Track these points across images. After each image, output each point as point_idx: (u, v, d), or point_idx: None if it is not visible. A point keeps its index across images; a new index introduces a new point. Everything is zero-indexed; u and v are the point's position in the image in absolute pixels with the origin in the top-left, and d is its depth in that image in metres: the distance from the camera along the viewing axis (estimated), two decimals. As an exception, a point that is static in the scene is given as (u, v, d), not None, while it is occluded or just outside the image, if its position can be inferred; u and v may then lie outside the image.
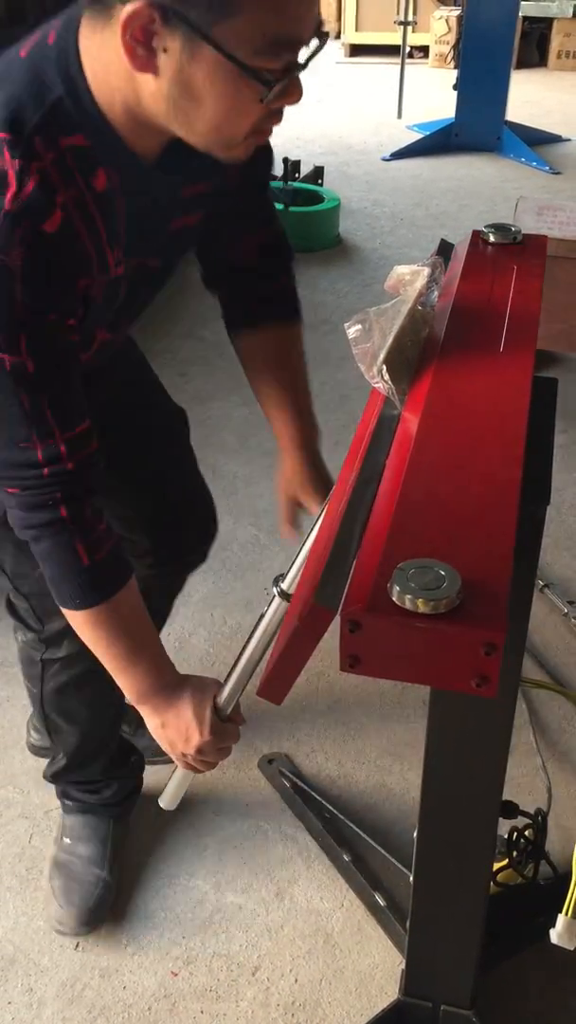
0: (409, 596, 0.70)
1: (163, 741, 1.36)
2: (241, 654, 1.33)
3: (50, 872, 1.79)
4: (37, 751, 2.01)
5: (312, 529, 1.18)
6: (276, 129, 1.58)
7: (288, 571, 1.23)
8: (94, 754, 1.76)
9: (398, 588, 0.71)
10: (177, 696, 1.31)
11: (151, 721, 1.34)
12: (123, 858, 1.82)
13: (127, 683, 1.30)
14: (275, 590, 1.25)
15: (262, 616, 1.29)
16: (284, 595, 1.23)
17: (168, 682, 1.31)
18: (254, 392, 1.53)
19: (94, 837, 1.80)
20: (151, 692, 1.31)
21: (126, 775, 1.83)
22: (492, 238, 1.33)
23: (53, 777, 1.81)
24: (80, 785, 1.80)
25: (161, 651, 1.33)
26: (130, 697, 1.32)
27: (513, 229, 1.33)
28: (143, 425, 1.63)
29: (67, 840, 1.81)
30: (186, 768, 1.42)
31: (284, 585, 1.23)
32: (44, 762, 1.84)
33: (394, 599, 0.71)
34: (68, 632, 1.54)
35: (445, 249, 1.41)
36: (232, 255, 1.44)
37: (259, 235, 1.44)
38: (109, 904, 1.75)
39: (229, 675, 1.34)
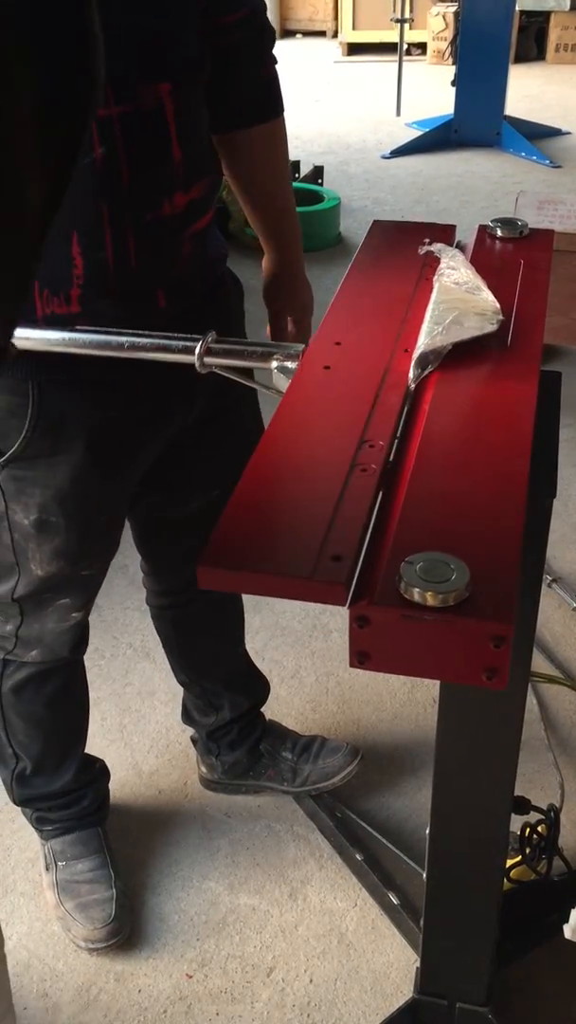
0: (417, 589, 0.69)
1: None
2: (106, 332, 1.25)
3: (57, 898, 1.75)
4: None
5: (266, 344, 1.17)
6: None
7: (227, 342, 1.21)
8: (61, 761, 1.71)
9: (406, 581, 0.70)
10: None
11: None
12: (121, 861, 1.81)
13: None
14: (202, 339, 1.20)
15: (172, 337, 1.23)
16: (202, 351, 1.19)
17: None
18: (236, 193, 1.51)
19: (89, 851, 1.77)
20: None
21: (96, 778, 1.81)
22: (498, 232, 1.33)
23: (23, 798, 1.75)
24: (55, 802, 1.75)
25: None
26: None
27: (519, 223, 1.33)
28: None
29: (61, 863, 1.77)
30: None
31: (212, 344, 1.19)
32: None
33: (402, 592, 0.70)
34: (45, 639, 1.53)
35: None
36: (214, 35, 1.35)
37: (240, 11, 1.38)
38: (129, 909, 1.74)
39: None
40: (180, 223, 1.30)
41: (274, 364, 1.15)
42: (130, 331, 1.23)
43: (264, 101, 1.46)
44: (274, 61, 1.45)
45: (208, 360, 1.20)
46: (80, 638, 1.58)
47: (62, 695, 1.65)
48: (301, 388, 1.01)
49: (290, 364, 1.13)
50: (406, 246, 1.30)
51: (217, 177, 1.40)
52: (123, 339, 1.22)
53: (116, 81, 1.15)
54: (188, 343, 1.20)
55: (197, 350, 1.19)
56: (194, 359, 1.19)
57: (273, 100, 1.46)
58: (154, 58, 1.21)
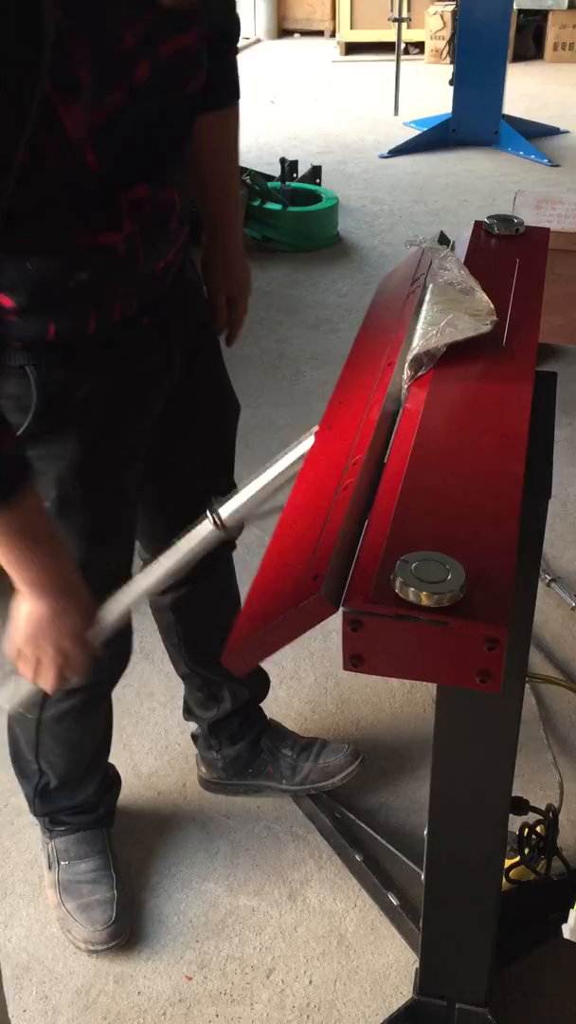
0: (412, 589, 0.69)
1: (25, 631, 1.20)
2: (144, 573, 1.23)
3: (59, 898, 1.75)
4: None
5: (273, 464, 1.14)
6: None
7: (230, 498, 1.17)
8: (85, 775, 1.72)
9: (402, 580, 0.70)
10: (72, 594, 1.19)
11: (28, 607, 1.18)
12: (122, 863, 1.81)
13: (23, 574, 1.15)
14: (210, 514, 1.17)
15: (184, 537, 1.20)
16: (218, 523, 1.16)
17: (70, 579, 1.19)
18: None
19: (93, 851, 1.77)
20: (47, 583, 1.16)
21: (111, 786, 1.82)
22: (494, 229, 1.33)
23: (44, 809, 1.75)
24: (72, 809, 1.75)
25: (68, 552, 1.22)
26: (21, 586, 1.16)
27: (516, 221, 1.33)
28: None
29: (64, 863, 1.77)
30: (24, 670, 1.25)
31: (222, 512, 1.16)
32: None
33: (397, 591, 0.70)
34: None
35: (443, 242, 1.41)
36: None
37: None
38: (130, 910, 1.74)
39: (121, 594, 1.24)
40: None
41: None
42: (152, 553, 1.25)
43: (222, 89, 1.48)
44: (235, 51, 1.49)
45: (231, 524, 1.17)
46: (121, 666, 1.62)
47: (95, 716, 1.67)
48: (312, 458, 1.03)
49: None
50: (404, 279, 1.30)
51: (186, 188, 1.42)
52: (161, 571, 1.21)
53: (152, 164, 1.20)
54: (200, 528, 1.18)
55: (213, 523, 1.17)
56: (221, 534, 1.17)
57: (231, 87, 1.50)
58: (179, 138, 1.25)
